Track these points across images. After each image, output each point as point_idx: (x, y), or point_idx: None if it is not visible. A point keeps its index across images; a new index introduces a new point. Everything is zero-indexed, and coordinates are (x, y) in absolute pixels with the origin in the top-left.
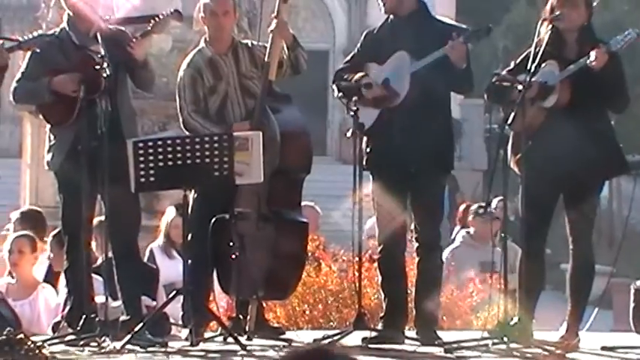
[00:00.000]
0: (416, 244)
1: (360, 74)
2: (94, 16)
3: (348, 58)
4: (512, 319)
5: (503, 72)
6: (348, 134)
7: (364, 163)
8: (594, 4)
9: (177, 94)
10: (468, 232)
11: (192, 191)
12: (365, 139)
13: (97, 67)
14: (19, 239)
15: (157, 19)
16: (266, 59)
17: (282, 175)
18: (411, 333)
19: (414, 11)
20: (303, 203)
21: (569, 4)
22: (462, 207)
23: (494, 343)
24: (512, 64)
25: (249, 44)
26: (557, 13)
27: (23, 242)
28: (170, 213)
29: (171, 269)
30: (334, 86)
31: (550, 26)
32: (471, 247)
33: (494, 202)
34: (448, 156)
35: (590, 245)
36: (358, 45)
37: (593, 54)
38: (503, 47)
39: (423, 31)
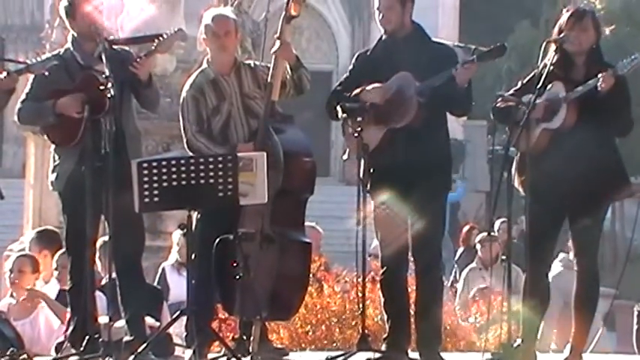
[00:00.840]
0: (416, 264)
1: (360, 88)
2: (106, 24)
3: (342, 79)
4: (515, 340)
5: (508, 93)
6: (345, 157)
7: (367, 184)
8: (608, 29)
9: (181, 114)
10: (566, 254)
11: (196, 211)
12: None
13: (102, 87)
14: (21, 259)
15: (160, 38)
16: (269, 80)
17: (286, 195)
18: (414, 354)
19: (410, 33)
20: (305, 224)
21: (578, 26)
22: (466, 228)
23: None
24: (519, 84)
25: (252, 65)
26: (564, 34)
27: (24, 262)
28: (179, 232)
29: (182, 288)
30: (337, 107)
31: (557, 48)
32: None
33: (497, 224)
34: (448, 175)
35: (595, 267)
36: (350, 67)
37: (600, 77)
38: (507, 68)
39: (421, 53)
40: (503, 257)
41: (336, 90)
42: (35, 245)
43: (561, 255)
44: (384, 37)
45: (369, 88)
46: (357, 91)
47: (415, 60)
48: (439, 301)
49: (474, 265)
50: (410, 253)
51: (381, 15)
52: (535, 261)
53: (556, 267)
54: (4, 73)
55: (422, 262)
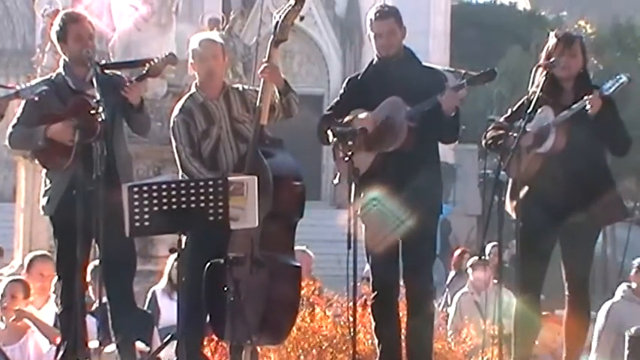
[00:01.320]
0: (407, 288)
1: (350, 116)
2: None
3: (332, 104)
4: None
5: (501, 119)
6: (335, 181)
7: (358, 212)
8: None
9: (173, 137)
10: (629, 287)
11: (187, 235)
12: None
13: (93, 111)
14: (13, 284)
15: (151, 62)
16: (258, 104)
17: (275, 219)
18: None
19: (401, 57)
20: (295, 248)
21: (568, 52)
22: (457, 252)
23: None
24: (509, 111)
25: (241, 88)
26: (554, 59)
27: (16, 287)
28: (173, 256)
29: (173, 312)
30: (328, 132)
31: (545, 72)
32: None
33: (489, 248)
34: (438, 199)
35: (586, 292)
36: (341, 91)
37: (587, 99)
38: (498, 93)
39: (411, 77)
40: (495, 281)
41: (327, 114)
42: (33, 268)
43: (624, 285)
44: (375, 61)
45: (361, 116)
46: (349, 118)
47: (406, 84)
48: (430, 326)
49: (465, 289)
50: (401, 278)
51: (382, 40)
52: (526, 285)
53: (616, 296)
54: None
55: (413, 287)
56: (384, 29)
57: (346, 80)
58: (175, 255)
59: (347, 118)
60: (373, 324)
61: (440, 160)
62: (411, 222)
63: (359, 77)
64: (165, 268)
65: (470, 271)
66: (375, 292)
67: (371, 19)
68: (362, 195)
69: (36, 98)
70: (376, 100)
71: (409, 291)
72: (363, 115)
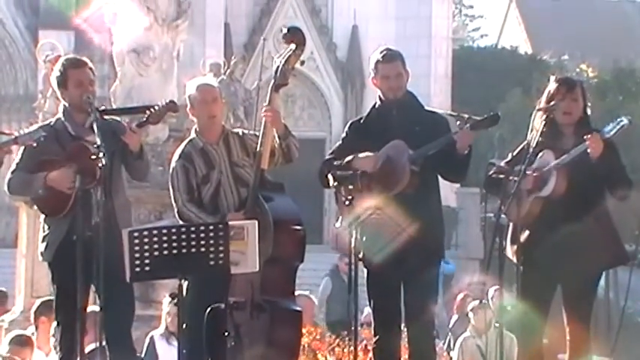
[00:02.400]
0: (408, 332)
1: (351, 156)
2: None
3: (335, 148)
4: None
5: (502, 163)
6: (337, 224)
7: (360, 256)
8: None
9: (171, 184)
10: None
11: (187, 280)
12: (361, 233)
13: (93, 157)
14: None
15: (152, 109)
16: (258, 148)
17: (276, 264)
18: None
19: (404, 101)
20: (298, 292)
21: (569, 96)
22: (460, 296)
23: None
24: (509, 156)
25: (240, 133)
26: (555, 103)
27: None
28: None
29: (171, 357)
30: (328, 176)
31: (545, 117)
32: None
33: (491, 292)
34: (440, 242)
35: (587, 335)
36: (343, 135)
37: (587, 142)
38: (499, 136)
39: (414, 121)
40: (497, 324)
41: (329, 158)
42: (40, 315)
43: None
44: (377, 104)
45: (360, 155)
46: (349, 158)
47: (408, 128)
48: None
49: (467, 333)
50: (403, 321)
51: (390, 82)
52: (528, 329)
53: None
54: None
55: (414, 330)
56: (393, 71)
57: (348, 124)
58: (169, 299)
59: (347, 159)
60: None
61: (441, 203)
62: (413, 266)
63: (361, 121)
64: (163, 312)
65: (471, 315)
66: (377, 337)
67: (377, 61)
68: (364, 239)
69: (34, 144)
70: (379, 143)
71: (411, 334)
72: (363, 154)
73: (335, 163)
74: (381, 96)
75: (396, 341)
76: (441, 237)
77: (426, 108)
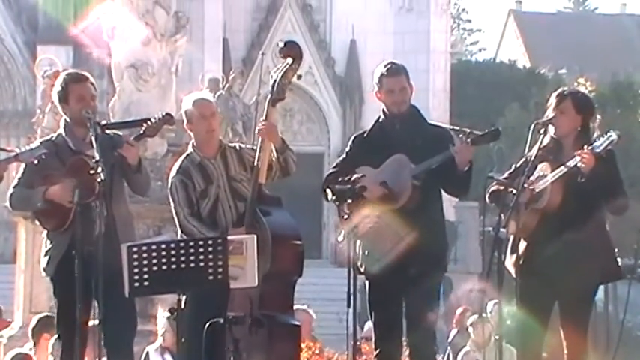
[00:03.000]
0: (409, 345)
1: (356, 175)
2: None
3: (338, 162)
4: None
5: (503, 176)
6: (340, 238)
7: (361, 268)
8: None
9: (171, 198)
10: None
11: (186, 295)
12: (360, 243)
13: (92, 171)
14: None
15: (148, 122)
16: (255, 162)
17: (274, 278)
18: None
19: (408, 115)
20: (296, 306)
21: (558, 109)
22: (459, 310)
23: None
24: (512, 167)
25: (237, 147)
26: (549, 117)
27: None
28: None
29: None
30: (328, 190)
31: (544, 130)
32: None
33: (490, 305)
34: (444, 256)
35: (585, 349)
36: (347, 149)
37: (577, 157)
38: (498, 150)
39: (417, 135)
40: (497, 337)
41: (332, 172)
42: (39, 331)
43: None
44: (381, 118)
45: (361, 169)
46: (355, 177)
47: (411, 142)
48: None
49: (467, 348)
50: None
51: (394, 96)
52: (527, 342)
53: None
54: None
55: (416, 343)
56: (397, 85)
57: (352, 137)
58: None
59: (354, 177)
60: None
61: (444, 216)
62: (416, 280)
63: (365, 135)
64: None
65: (471, 329)
66: (378, 351)
67: (382, 75)
68: (366, 253)
69: (35, 161)
70: (382, 157)
71: (412, 346)
72: (364, 168)
73: (338, 178)
74: (385, 110)
75: (398, 355)
76: (443, 249)
77: (430, 122)
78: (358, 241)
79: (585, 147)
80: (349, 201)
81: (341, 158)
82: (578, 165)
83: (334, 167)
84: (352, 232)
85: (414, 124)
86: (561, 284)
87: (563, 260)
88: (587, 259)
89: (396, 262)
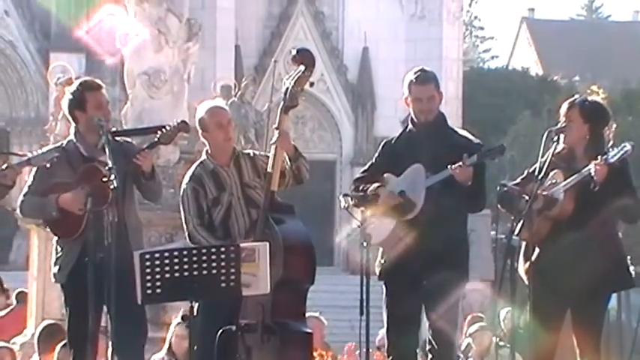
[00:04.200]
0: (430, 354)
1: (374, 185)
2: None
3: (366, 167)
4: None
5: (513, 182)
6: (337, 239)
7: (378, 274)
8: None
9: (182, 207)
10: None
11: (198, 302)
12: (380, 250)
13: (105, 178)
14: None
15: (163, 130)
16: (268, 170)
17: (286, 286)
18: None
19: (435, 124)
20: (308, 314)
21: (567, 117)
22: (469, 318)
23: None
24: (525, 173)
25: (251, 154)
26: (559, 125)
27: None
28: (173, 324)
29: None
30: (348, 196)
31: (556, 138)
32: None
33: (503, 313)
34: (461, 266)
35: (598, 357)
36: (376, 154)
37: (592, 166)
38: (510, 158)
39: (440, 144)
40: (501, 343)
41: (358, 177)
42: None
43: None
44: (409, 126)
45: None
46: (372, 187)
47: (435, 151)
48: None
49: (471, 359)
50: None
51: (422, 104)
52: (539, 351)
53: None
54: (5, 166)
55: (436, 354)
56: (425, 94)
57: (382, 144)
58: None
59: (373, 186)
60: None
61: (465, 226)
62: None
63: (393, 141)
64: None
65: (471, 340)
66: (390, 358)
67: (411, 82)
68: (383, 261)
69: (47, 165)
70: (405, 165)
71: (432, 353)
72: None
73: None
74: (413, 117)
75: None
76: (463, 259)
77: (459, 131)
78: (374, 248)
79: (599, 157)
80: (362, 208)
81: (369, 163)
82: (592, 173)
83: (362, 172)
84: (352, 234)
85: (439, 132)
86: (574, 291)
87: (576, 267)
88: (599, 267)
89: (414, 271)
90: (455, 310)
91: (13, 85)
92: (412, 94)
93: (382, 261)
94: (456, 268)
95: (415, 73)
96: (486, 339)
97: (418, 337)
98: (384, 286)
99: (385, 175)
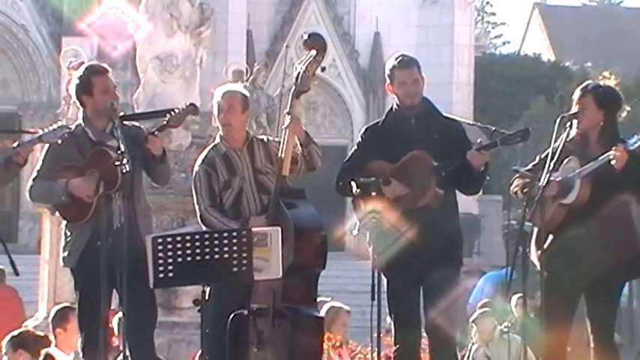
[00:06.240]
0: (430, 340)
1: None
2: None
3: (350, 155)
4: None
5: (526, 168)
6: (354, 232)
7: (358, 226)
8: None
9: (194, 188)
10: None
11: (210, 287)
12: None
13: (115, 163)
14: None
15: (172, 113)
16: (279, 155)
17: (297, 271)
18: None
19: (421, 108)
20: (329, 303)
21: (580, 104)
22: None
23: None
24: (537, 159)
25: (265, 139)
26: (573, 112)
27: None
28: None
29: None
30: (352, 182)
31: (570, 124)
32: None
33: (514, 299)
34: (460, 251)
35: (612, 344)
36: (359, 140)
37: (612, 153)
38: (522, 144)
39: (431, 128)
40: (505, 330)
41: (346, 166)
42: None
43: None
44: (394, 109)
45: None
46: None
47: (426, 135)
48: None
49: (476, 345)
50: (424, 329)
51: (407, 88)
52: (551, 337)
53: None
54: (16, 144)
55: (436, 339)
56: (409, 78)
57: (364, 129)
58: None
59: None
60: None
61: (458, 213)
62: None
63: (378, 125)
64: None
65: (474, 325)
66: (397, 346)
67: (393, 67)
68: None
69: (59, 141)
70: (397, 152)
71: (432, 344)
72: (380, 163)
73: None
74: (398, 102)
75: (417, 349)
76: (460, 246)
77: (444, 114)
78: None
79: (619, 144)
80: (373, 194)
81: (353, 150)
82: (612, 161)
83: (346, 161)
84: (356, 227)
85: (428, 117)
86: (588, 278)
87: (591, 254)
88: (614, 254)
89: (410, 256)
90: (452, 295)
91: (25, 69)
92: (396, 78)
93: (385, 247)
94: (455, 253)
95: (397, 58)
96: (489, 325)
97: (420, 320)
98: (385, 279)
99: (376, 162)
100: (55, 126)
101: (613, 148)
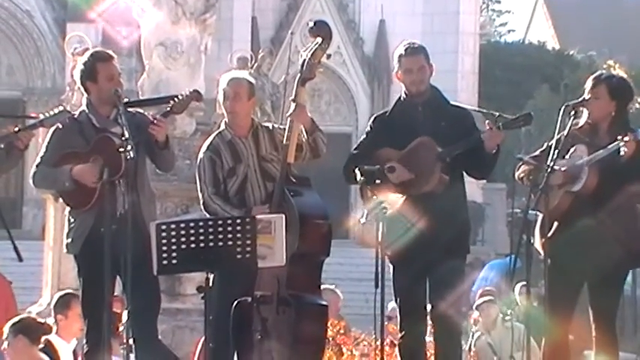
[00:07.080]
0: (435, 328)
1: (389, 164)
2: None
3: (359, 143)
4: None
5: (531, 156)
6: (362, 220)
7: (387, 253)
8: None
9: (197, 175)
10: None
11: (214, 274)
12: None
13: (119, 149)
14: None
15: (176, 99)
16: (284, 142)
17: (301, 258)
18: None
19: (429, 96)
20: (323, 286)
21: (592, 94)
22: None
23: None
24: (544, 145)
25: (270, 127)
26: (582, 100)
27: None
28: None
29: None
30: (356, 170)
31: (577, 112)
32: None
33: (518, 288)
34: (467, 238)
35: (614, 332)
36: (367, 129)
37: (622, 142)
38: (526, 132)
39: (439, 116)
40: (507, 317)
41: (354, 154)
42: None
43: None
44: (402, 98)
45: (387, 150)
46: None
47: (434, 124)
48: None
49: (478, 332)
50: (429, 318)
51: (413, 75)
52: (554, 325)
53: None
54: (17, 128)
55: (441, 328)
56: (415, 65)
57: (373, 118)
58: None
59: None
60: None
61: (466, 199)
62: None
63: (386, 115)
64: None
65: (477, 313)
66: (403, 332)
67: (400, 55)
68: (391, 234)
69: (60, 125)
70: (405, 139)
71: (437, 329)
72: (387, 150)
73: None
74: (405, 90)
75: (422, 336)
76: (466, 232)
77: (452, 102)
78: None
79: (629, 134)
80: (377, 181)
81: (362, 139)
82: (621, 150)
83: (355, 148)
84: (366, 217)
85: (436, 106)
86: (591, 265)
87: (594, 242)
88: (619, 243)
89: (418, 245)
90: (458, 283)
91: (30, 55)
92: (402, 66)
93: (391, 234)
94: (461, 240)
95: (404, 46)
96: (493, 312)
97: (426, 307)
98: (391, 267)
99: (384, 149)
100: (56, 110)
101: (622, 138)
